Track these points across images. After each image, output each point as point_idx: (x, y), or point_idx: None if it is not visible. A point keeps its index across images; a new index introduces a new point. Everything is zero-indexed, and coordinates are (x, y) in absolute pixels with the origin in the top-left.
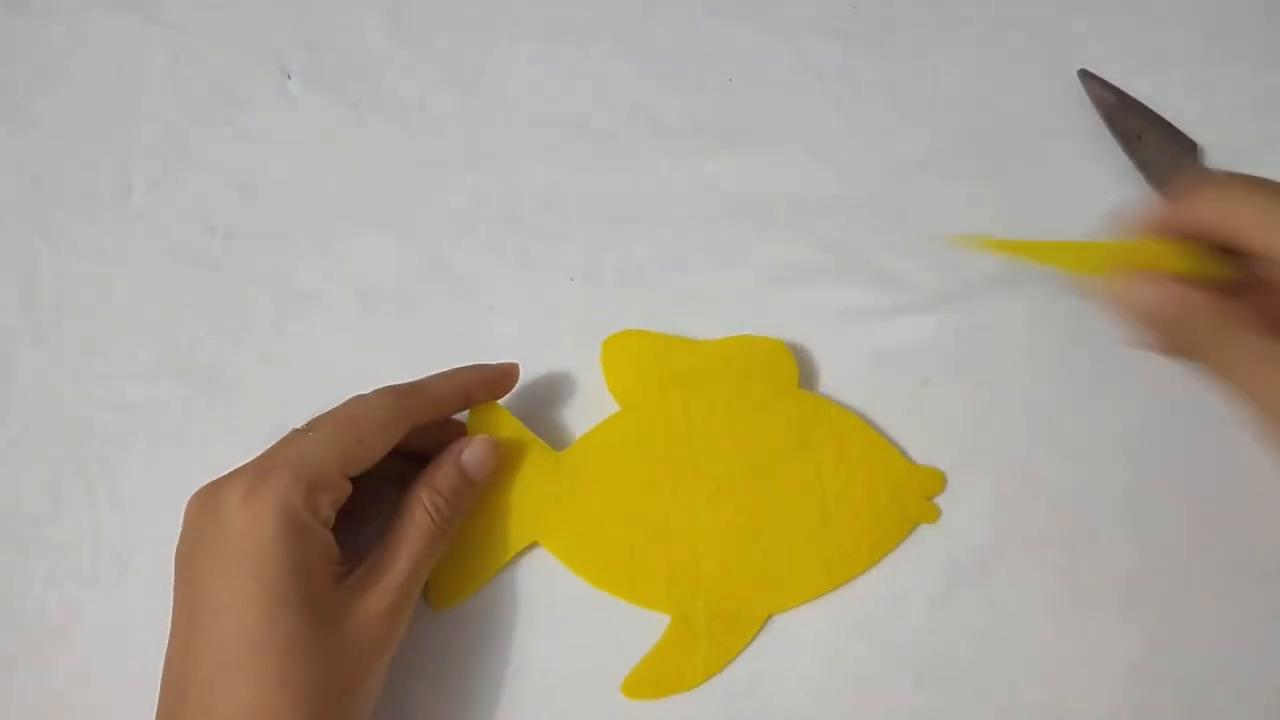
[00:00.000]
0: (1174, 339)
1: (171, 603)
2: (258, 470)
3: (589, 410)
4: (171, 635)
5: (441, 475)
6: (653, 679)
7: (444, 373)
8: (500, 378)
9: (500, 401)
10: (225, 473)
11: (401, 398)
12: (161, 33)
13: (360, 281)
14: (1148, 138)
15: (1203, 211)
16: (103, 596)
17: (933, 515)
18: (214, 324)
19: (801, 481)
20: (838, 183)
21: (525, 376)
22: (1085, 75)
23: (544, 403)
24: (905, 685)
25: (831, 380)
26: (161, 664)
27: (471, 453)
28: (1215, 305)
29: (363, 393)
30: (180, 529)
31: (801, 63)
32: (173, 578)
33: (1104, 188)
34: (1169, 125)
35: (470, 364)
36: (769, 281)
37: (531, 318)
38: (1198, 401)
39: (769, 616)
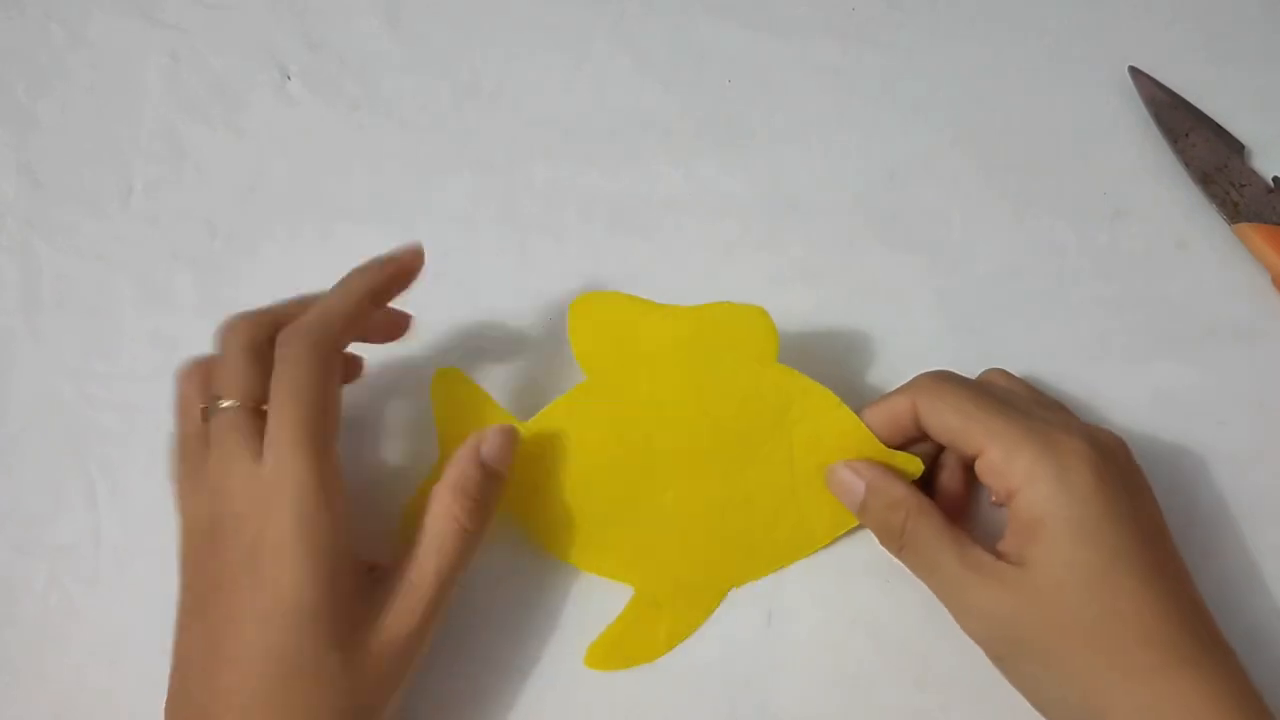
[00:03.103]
0: (878, 530)
1: (178, 601)
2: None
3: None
4: (182, 632)
5: (464, 475)
6: (615, 651)
7: (336, 293)
8: (401, 271)
9: (467, 370)
10: None
11: (319, 346)
12: (161, 33)
13: None
14: (1195, 136)
15: (915, 407)
16: (103, 596)
17: None
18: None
19: (773, 461)
20: (838, 183)
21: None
22: (1135, 72)
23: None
24: (906, 685)
25: (831, 381)
26: (159, 663)
27: (490, 446)
28: (905, 496)
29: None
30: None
31: (801, 63)
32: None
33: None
34: (1217, 125)
35: (360, 267)
36: (769, 281)
37: (531, 318)
38: (1196, 403)
39: (730, 589)
